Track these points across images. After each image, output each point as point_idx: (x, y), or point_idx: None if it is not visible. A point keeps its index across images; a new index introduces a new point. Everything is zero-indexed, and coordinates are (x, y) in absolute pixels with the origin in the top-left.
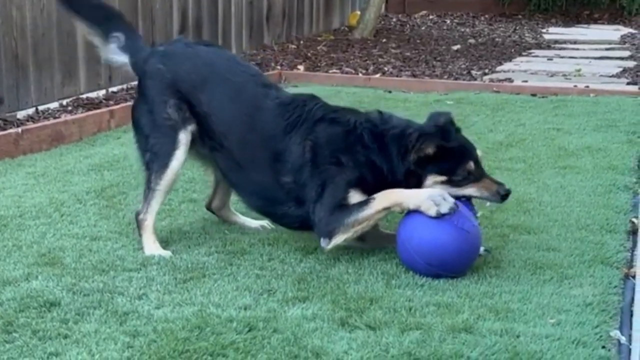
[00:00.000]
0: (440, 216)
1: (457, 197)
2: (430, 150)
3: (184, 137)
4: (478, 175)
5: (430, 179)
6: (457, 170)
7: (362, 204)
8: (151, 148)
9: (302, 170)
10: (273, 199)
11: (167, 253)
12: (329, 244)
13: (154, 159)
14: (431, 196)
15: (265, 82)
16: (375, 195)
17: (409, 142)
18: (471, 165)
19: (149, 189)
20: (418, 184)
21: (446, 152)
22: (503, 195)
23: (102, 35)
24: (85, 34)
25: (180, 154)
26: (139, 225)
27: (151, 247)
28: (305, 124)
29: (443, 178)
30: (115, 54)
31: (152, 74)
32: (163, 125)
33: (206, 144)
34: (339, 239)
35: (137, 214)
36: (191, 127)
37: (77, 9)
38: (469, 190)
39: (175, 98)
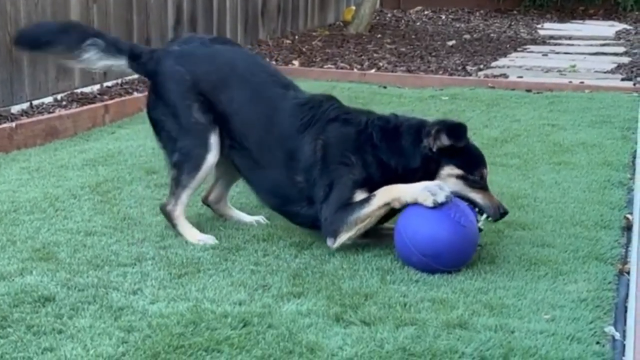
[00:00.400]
0: (437, 205)
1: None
2: (451, 138)
3: (215, 140)
4: (485, 186)
5: (447, 169)
6: (474, 170)
7: (363, 202)
8: (180, 149)
9: (313, 169)
10: (287, 198)
11: (210, 237)
12: (334, 243)
13: (185, 160)
14: (427, 187)
15: (284, 82)
16: (375, 192)
17: (433, 127)
18: (485, 172)
19: (178, 186)
20: (433, 174)
21: (467, 149)
22: (502, 213)
23: (69, 48)
24: (57, 58)
25: (211, 157)
26: (169, 216)
27: (193, 235)
28: (318, 124)
29: (459, 172)
30: (101, 60)
31: (171, 76)
32: (192, 129)
33: (225, 143)
34: (343, 238)
35: (165, 206)
36: (219, 127)
37: (40, 45)
38: (476, 196)
39: (198, 101)
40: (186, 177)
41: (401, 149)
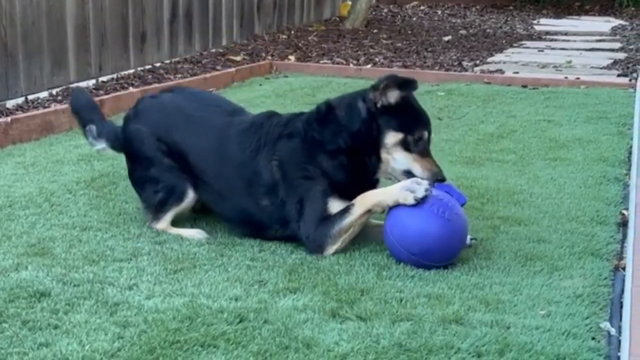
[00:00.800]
0: (419, 201)
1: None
2: (396, 92)
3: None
4: (426, 150)
5: (390, 137)
6: (414, 130)
7: (343, 212)
8: (163, 189)
9: (277, 190)
10: (259, 225)
11: (200, 232)
12: (321, 257)
13: (169, 195)
14: (404, 186)
15: (229, 109)
16: (354, 201)
17: (382, 82)
18: (426, 134)
19: (161, 212)
20: (376, 144)
21: (407, 106)
22: (439, 180)
23: (82, 127)
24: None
25: (192, 193)
26: (156, 230)
27: (185, 231)
28: (267, 146)
29: (400, 135)
30: (94, 144)
31: (134, 136)
32: (170, 170)
33: (190, 181)
34: (329, 251)
35: (150, 225)
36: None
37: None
38: (414, 166)
39: (161, 150)
40: (169, 206)
41: (338, 121)
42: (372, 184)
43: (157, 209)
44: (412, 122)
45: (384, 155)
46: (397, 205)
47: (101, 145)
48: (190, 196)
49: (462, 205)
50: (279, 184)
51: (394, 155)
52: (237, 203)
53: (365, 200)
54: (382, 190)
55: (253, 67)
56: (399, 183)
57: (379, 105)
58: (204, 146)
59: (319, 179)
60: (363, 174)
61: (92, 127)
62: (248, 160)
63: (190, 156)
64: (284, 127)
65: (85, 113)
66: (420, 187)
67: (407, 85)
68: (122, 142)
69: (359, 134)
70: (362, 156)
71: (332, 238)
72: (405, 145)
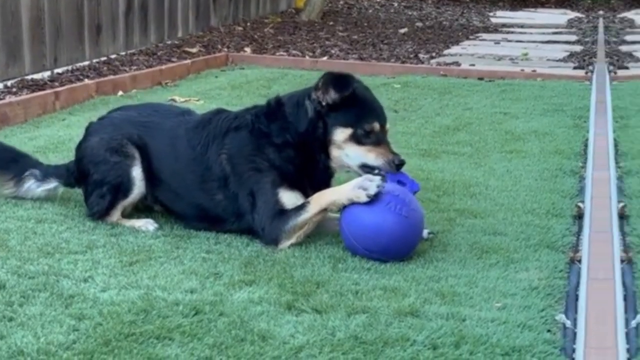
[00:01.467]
0: (372, 197)
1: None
2: (333, 90)
3: (137, 173)
4: (380, 139)
5: (339, 133)
6: (363, 123)
7: (299, 209)
8: (108, 190)
9: (228, 184)
10: (215, 219)
11: (149, 221)
12: (276, 250)
13: (115, 194)
14: (357, 184)
15: (177, 111)
16: (309, 199)
17: (320, 80)
18: (377, 124)
19: (110, 208)
20: (324, 140)
21: (354, 100)
22: (397, 164)
23: (15, 177)
24: None
25: (137, 189)
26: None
27: (136, 223)
28: (216, 140)
29: (349, 130)
30: (40, 186)
31: (86, 152)
32: (114, 169)
33: (148, 182)
34: (284, 245)
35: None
36: (138, 164)
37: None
38: (368, 157)
39: (111, 151)
40: (116, 203)
41: (286, 118)
42: (326, 178)
43: (106, 209)
44: (360, 115)
45: (334, 152)
46: (353, 203)
47: (51, 184)
48: (136, 192)
49: (415, 193)
50: (229, 177)
51: (347, 150)
52: (193, 200)
53: (321, 199)
54: (337, 189)
55: (209, 59)
56: (352, 181)
57: (324, 103)
58: (157, 147)
59: (267, 171)
60: (313, 169)
61: (34, 171)
62: (199, 157)
63: (146, 157)
64: (232, 121)
65: (15, 163)
66: (372, 183)
67: (342, 81)
68: (76, 165)
69: (307, 132)
70: (311, 152)
71: (287, 233)
72: (356, 139)
